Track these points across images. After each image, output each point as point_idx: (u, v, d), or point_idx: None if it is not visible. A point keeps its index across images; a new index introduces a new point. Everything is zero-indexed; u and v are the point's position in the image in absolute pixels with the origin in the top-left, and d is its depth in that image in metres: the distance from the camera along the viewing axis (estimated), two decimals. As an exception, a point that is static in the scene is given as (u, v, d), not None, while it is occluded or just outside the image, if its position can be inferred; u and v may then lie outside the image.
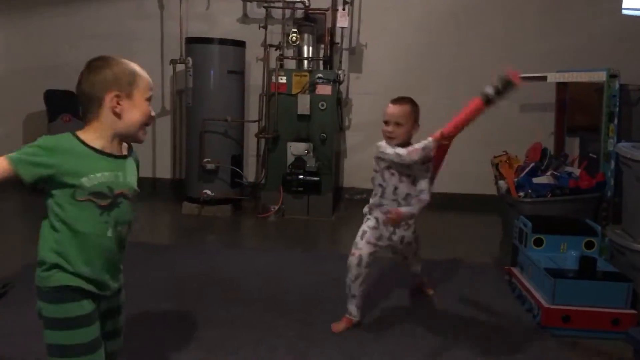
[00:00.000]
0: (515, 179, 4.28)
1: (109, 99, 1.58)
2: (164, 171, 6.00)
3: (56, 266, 1.57)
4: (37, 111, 5.79)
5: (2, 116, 5.74)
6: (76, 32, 5.83)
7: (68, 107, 5.47)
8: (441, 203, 5.62)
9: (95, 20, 5.84)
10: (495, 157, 4.66)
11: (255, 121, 5.44)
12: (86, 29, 5.80)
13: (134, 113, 1.62)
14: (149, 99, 1.66)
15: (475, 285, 3.49)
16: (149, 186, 5.86)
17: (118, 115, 1.60)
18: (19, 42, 6.00)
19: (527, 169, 4.35)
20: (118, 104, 1.59)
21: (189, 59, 5.11)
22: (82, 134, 1.60)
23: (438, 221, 5.12)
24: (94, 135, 1.60)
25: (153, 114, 1.68)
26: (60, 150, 1.54)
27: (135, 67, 1.65)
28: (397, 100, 2.68)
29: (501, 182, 4.45)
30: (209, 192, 5.09)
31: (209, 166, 5.06)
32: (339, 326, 2.76)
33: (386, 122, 2.65)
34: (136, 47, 5.80)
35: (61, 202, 1.56)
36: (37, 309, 1.61)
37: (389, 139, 2.64)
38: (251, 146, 5.72)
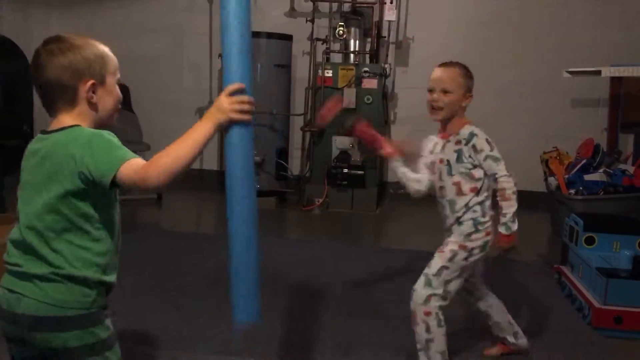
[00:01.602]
0: (566, 176, 4.19)
1: (84, 89, 1.35)
2: (211, 163, 6.11)
3: (100, 284, 1.36)
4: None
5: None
6: (128, 26, 5.98)
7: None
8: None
9: (147, 15, 5.98)
10: (545, 153, 4.57)
11: (300, 114, 5.47)
12: (138, 24, 5.95)
13: (108, 101, 1.41)
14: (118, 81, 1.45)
15: (523, 283, 3.43)
16: (196, 177, 5.97)
17: (94, 106, 1.38)
18: (74, 36, 6.20)
19: (578, 166, 4.24)
20: (94, 93, 1.37)
21: (237, 52, 5.17)
22: (82, 123, 1.37)
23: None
24: (85, 124, 1.38)
25: (121, 95, 1.48)
26: None
27: (101, 47, 1.41)
28: (444, 64, 2.19)
29: (551, 179, 4.36)
30: (254, 184, 5.15)
31: (255, 158, 5.09)
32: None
33: (430, 90, 2.15)
34: (186, 41, 5.93)
35: (103, 199, 1.36)
36: (58, 344, 1.33)
37: (434, 110, 2.14)
38: (296, 139, 5.77)
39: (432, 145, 2.22)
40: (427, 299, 2.11)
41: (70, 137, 1.31)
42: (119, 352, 1.41)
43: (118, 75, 1.43)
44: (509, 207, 2.07)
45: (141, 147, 5.47)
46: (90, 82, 1.35)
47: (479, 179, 2.11)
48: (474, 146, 2.10)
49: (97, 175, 1.26)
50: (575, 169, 4.22)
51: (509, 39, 5.60)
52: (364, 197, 5.14)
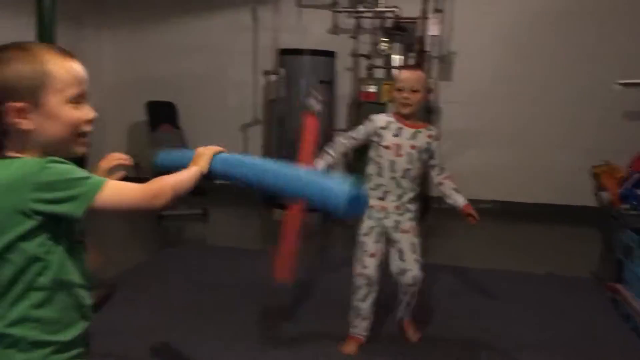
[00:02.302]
0: (619, 190, 4.06)
1: (8, 114, 1.09)
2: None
3: (42, 345, 1.12)
4: (139, 121, 6.15)
5: (109, 125, 6.13)
6: (175, 45, 6.14)
7: (168, 118, 5.78)
8: (534, 213, 5.43)
9: (192, 34, 6.13)
10: (595, 167, 4.44)
11: (344, 130, 5.48)
12: (184, 43, 6.11)
13: (50, 126, 1.12)
14: (76, 99, 1.14)
15: (575, 301, 3.32)
16: (241, 192, 6.04)
17: (31, 133, 1.11)
18: (125, 57, 6.42)
19: (631, 180, 4.11)
20: (23, 118, 1.10)
21: (281, 69, 5.25)
22: (26, 155, 1.13)
23: (531, 232, 4.93)
24: (29, 155, 1.13)
25: (89, 115, 1.17)
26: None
27: (44, 57, 1.11)
28: (409, 67, 2.49)
29: (603, 193, 4.23)
30: (298, 199, 5.17)
31: (299, 174, 5.14)
32: (349, 348, 2.59)
33: (400, 89, 2.47)
34: (231, 59, 6.04)
35: (57, 246, 1.12)
36: None
37: (405, 106, 2.46)
38: (339, 155, 5.77)
39: (396, 129, 2.49)
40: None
41: (9, 173, 1.08)
42: None
43: (74, 92, 1.13)
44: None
45: (188, 163, 5.59)
46: (15, 105, 1.09)
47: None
48: (438, 144, 2.54)
49: (65, 208, 1.07)
50: (629, 183, 4.09)
51: (555, 51, 5.49)
52: (408, 212, 5.09)
